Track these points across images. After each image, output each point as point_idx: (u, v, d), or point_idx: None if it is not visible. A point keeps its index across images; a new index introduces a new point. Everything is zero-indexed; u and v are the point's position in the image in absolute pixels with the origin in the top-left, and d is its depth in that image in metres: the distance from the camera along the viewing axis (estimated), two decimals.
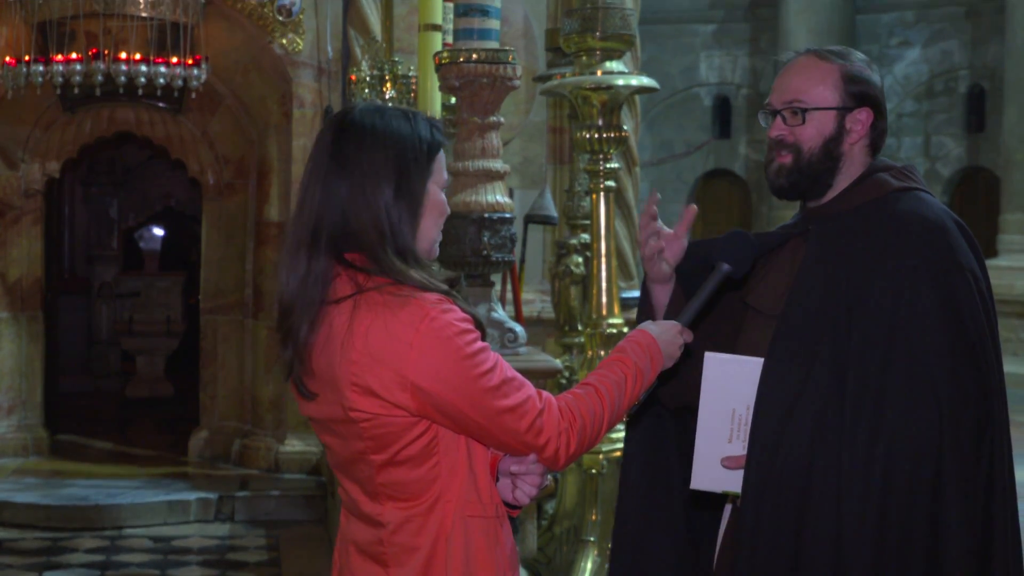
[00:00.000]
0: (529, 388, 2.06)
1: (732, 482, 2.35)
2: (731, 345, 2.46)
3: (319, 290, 2.03)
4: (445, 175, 2.15)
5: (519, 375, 2.07)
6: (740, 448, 2.34)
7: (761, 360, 2.33)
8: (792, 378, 2.29)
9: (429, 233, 2.12)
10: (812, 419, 2.25)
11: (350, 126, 2.07)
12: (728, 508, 2.52)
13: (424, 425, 2.03)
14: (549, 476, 2.19)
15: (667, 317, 2.45)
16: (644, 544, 2.61)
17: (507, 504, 2.15)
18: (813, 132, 2.39)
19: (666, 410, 2.59)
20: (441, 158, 2.13)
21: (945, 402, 2.22)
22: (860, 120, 2.41)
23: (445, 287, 2.05)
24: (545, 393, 2.09)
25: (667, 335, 2.28)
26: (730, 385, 2.35)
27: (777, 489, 2.25)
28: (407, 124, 2.08)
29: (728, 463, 2.35)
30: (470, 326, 2.02)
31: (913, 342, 2.24)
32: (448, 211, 2.17)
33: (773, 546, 2.25)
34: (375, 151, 2.04)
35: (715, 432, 2.36)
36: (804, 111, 2.38)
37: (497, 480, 2.14)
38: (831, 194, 2.44)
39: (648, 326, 2.29)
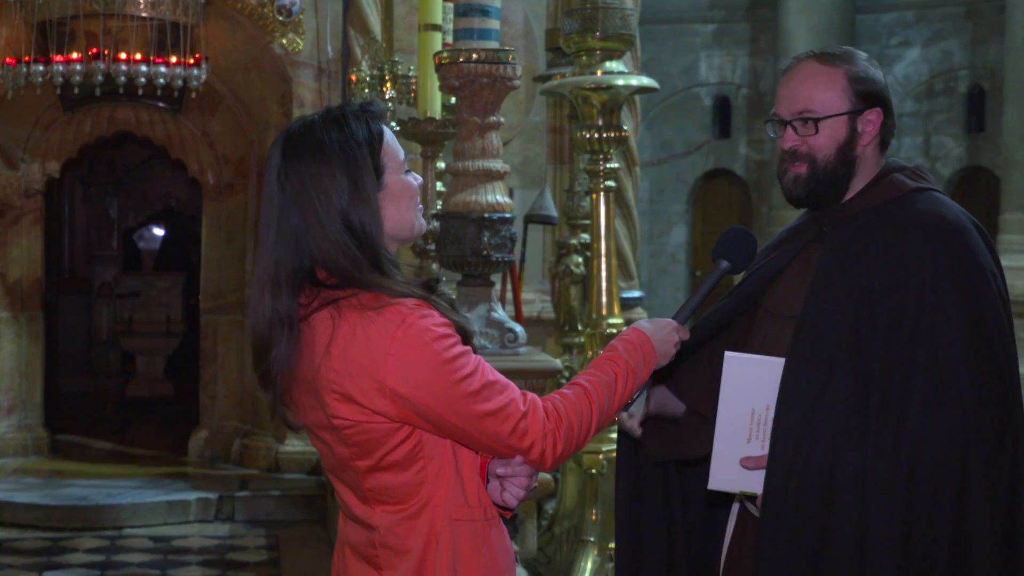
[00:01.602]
0: (512, 391, 2.04)
1: (751, 482, 2.33)
2: (743, 346, 2.45)
3: (286, 329, 2.02)
4: (400, 156, 2.10)
5: (502, 378, 2.05)
6: (759, 448, 2.32)
7: (781, 360, 2.32)
8: (814, 379, 2.27)
9: (406, 219, 2.09)
10: (835, 420, 2.24)
11: (290, 153, 2.05)
12: (736, 507, 2.51)
13: (407, 431, 2.02)
14: (547, 475, 2.18)
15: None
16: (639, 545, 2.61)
17: (497, 506, 2.13)
18: (827, 140, 2.37)
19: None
20: (388, 145, 2.08)
21: (970, 404, 2.21)
22: (871, 121, 2.40)
23: (420, 292, 2.02)
24: (530, 395, 2.06)
25: (661, 333, 2.26)
26: (749, 385, 2.33)
27: (800, 490, 2.24)
28: (340, 132, 2.04)
29: (747, 463, 2.33)
30: (449, 331, 2.00)
31: (936, 344, 2.23)
32: (418, 185, 2.13)
33: (795, 547, 2.24)
34: (318, 172, 2.02)
35: (734, 432, 2.34)
36: (817, 121, 2.36)
37: (488, 482, 2.13)
38: (847, 196, 2.43)
39: (642, 323, 2.28)
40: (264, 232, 2.06)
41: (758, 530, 2.30)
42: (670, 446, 2.53)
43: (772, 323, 2.44)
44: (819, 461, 2.23)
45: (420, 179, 2.16)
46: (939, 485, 2.19)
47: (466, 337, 2.05)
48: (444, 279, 4.87)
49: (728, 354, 2.35)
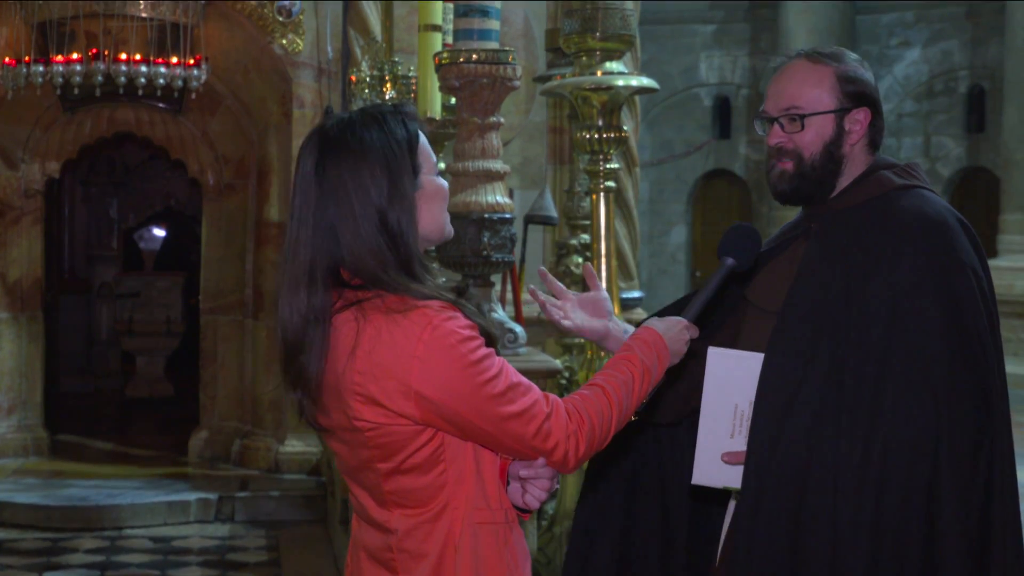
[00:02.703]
0: (536, 392, 2.04)
1: (733, 478, 2.34)
2: (733, 342, 2.46)
3: (322, 326, 2.01)
4: (433, 158, 2.12)
5: (525, 379, 2.05)
6: (742, 444, 2.33)
7: (763, 355, 2.33)
8: (791, 375, 2.28)
9: (437, 221, 2.10)
10: (810, 416, 2.24)
11: (328, 148, 2.04)
12: (733, 504, 2.51)
13: (430, 433, 2.01)
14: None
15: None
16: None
17: (518, 508, 2.13)
18: (813, 137, 2.38)
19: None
20: (423, 146, 2.09)
21: (943, 402, 2.20)
22: (859, 120, 2.40)
23: (449, 296, 2.02)
24: (552, 396, 2.06)
25: (673, 331, 2.26)
26: (732, 380, 2.34)
27: (775, 486, 2.25)
28: (380, 129, 2.04)
29: (729, 458, 2.34)
30: (474, 333, 2.00)
31: (912, 341, 2.23)
32: (447, 190, 2.15)
33: (770, 543, 2.25)
34: (358, 169, 2.01)
35: (717, 427, 2.35)
36: (802, 117, 2.37)
37: (508, 484, 2.12)
38: (833, 194, 2.43)
39: (654, 323, 2.28)
40: (298, 227, 2.04)
41: (733, 523, 2.31)
42: (680, 403, 2.50)
43: (759, 319, 2.45)
44: (794, 456, 2.24)
45: (447, 184, 2.17)
46: (910, 482, 2.19)
47: (490, 340, 2.04)
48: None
49: (711, 349, 2.36)
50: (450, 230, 2.15)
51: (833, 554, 2.20)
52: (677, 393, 2.51)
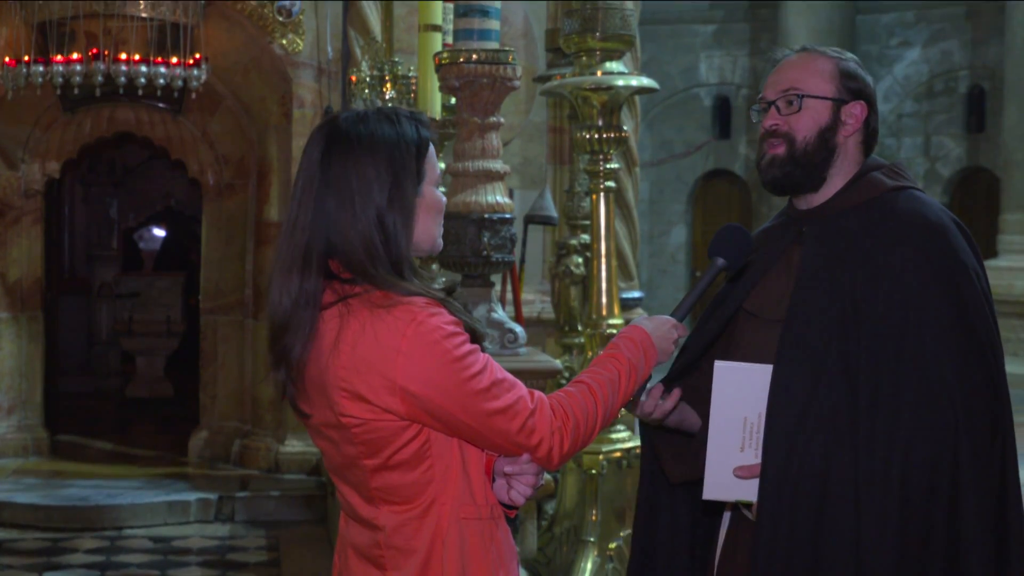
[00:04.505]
0: (520, 388, 2.05)
1: (745, 491, 2.32)
2: (727, 352, 2.44)
3: (311, 311, 2.02)
4: (438, 171, 2.13)
5: (510, 376, 2.06)
6: (752, 457, 2.31)
7: (771, 367, 2.31)
8: (802, 384, 2.27)
9: (430, 232, 2.11)
10: (825, 426, 2.23)
11: (337, 139, 2.05)
12: (727, 515, 2.50)
13: (415, 429, 2.02)
14: (547, 476, 2.18)
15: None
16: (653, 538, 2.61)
17: (504, 504, 2.14)
18: (809, 121, 2.37)
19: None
20: (431, 155, 2.10)
21: (960, 406, 2.21)
22: (854, 114, 2.40)
23: (435, 293, 2.03)
24: (537, 393, 2.07)
25: (661, 330, 2.27)
26: (740, 393, 2.32)
27: (793, 498, 2.23)
28: (392, 129, 2.05)
29: (740, 472, 2.32)
30: (458, 329, 2.00)
31: (924, 345, 2.23)
32: (444, 204, 2.16)
33: (791, 555, 2.24)
34: (363, 164, 2.02)
35: (727, 441, 2.33)
36: (801, 98, 2.37)
37: (494, 481, 2.13)
38: (825, 191, 2.42)
39: (642, 321, 2.29)
40: (297, 211, 2.05)
41: (754, 538, 2.29)
42: (689, 465, 2.50)
43: (756, 328, 2.43)
44: (812, 466, 2.23)
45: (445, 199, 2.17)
46: (932, 486, 2.19)
47: (476, 337, 2.05)
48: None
49: (718, 363, 2.34)
50: (440, 244, 2.16)
51: (857, 563, 2.19)
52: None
